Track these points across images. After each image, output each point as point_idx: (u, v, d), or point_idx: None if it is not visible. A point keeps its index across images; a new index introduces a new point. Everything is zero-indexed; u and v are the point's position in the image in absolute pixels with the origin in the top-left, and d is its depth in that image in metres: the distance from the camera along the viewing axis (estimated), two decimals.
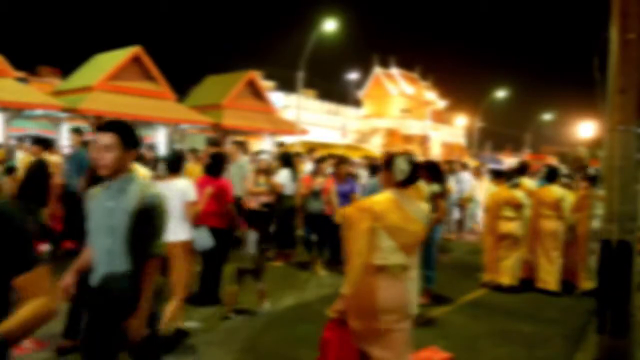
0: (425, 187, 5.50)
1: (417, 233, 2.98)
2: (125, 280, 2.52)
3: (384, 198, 2.96)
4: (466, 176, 11.55)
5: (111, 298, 2.54)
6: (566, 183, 7.98)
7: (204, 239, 4.72)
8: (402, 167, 2.98)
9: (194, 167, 8.34)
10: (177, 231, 4.32)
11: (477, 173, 12.51)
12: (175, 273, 4.39)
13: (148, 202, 2.55)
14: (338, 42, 34.96)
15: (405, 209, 2.95)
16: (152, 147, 10.65)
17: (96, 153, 2.54)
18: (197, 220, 4.62)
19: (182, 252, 4.41)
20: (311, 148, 12.17)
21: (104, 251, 2.56)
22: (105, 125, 2.56)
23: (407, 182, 3.01)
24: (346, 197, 7.11)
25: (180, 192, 4.38)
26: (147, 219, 2.54)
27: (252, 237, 5.36)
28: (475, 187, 11.53)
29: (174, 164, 4.56)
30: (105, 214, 2.55)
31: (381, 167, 3.18)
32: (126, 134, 2.57)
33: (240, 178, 7.66)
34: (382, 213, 2.88)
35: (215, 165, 5.43)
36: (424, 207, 3.12)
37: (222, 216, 5.36)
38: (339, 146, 27.23)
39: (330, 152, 12.48)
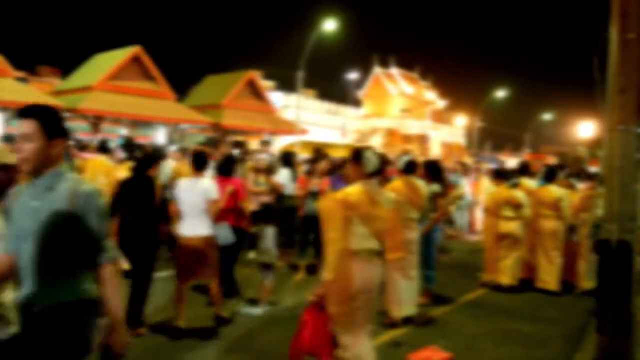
0: (425, 186, 5.50)
1: (386, 219, 3.31)
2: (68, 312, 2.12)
3: (356, 190, 3.26)
4: (456, 175, 11.57)
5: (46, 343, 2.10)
6: (568, 183, 7.98)
7: (226, 235, 5.01)
8: (371, 160, 3.28)
9: (182, 166, 8.20)
10: (199, 227, 4.58)
11: (465, 171, 12.50)
12: (206, 268, 4.65)
13: (82, 201, 2.15)
14: (338, 42, 34.91)
15: (375, 198, 3.26)
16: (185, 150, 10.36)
17: (17, 144, 2.16)
18: (217, 218, 4.86)
19: (205, 247, 4.62)
20: (318, 148, 11.95)
21: (29, 261, 2.11)
22: (23, 110, 2.15)
23: (375, 174, 3.30)
24: None
25: (204, 190, 4.58)
26: (84, 221, 2.15)
27: (270, 233, 5.46)
28: (464, 185, 11.53)
29: (200, 164, 4.75)
30: (30, 215, 2.12)
31: (350, 161, 3.43)
32: (49, 120, 2.16)
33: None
34: (355, 203, 3.19)
35: (227, 166, 5.67)
36: (390, 195, 3.46)
37: (237, 214, 5.60)
38: (339, 146, 27.25)
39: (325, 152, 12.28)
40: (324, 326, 3.18)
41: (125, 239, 4.50)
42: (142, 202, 4.61)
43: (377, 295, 3.38)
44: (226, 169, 5.66)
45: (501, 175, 7.82)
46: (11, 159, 3.00)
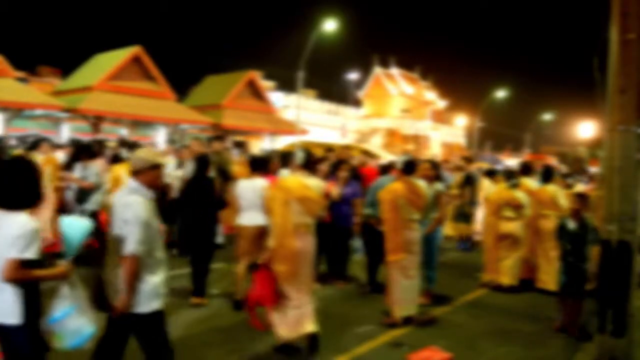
0: (426, 187, 5.49)
1: (317, 199, 4.27)
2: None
3: (293, 178, 4.37)
4: (446, 173, 11.48)
5: None
6: (565, 183, 7.99)
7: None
8: (299, 156, 4.34)
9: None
10: (257, 218, 5.33)
11: (456, 169, 12.40)
12: (259, 250, 5.01)
13: None
14: (338, 42, 34.93)
15: (307, 184, 4.26)
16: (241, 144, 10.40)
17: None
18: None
19: (259, 233, 5.25)
20: (329, 148, 11.66)
21: None
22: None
23: (305, 166, 4.37)
24: (348, 203, 6.55)
25: (259, 188, 5.33)
26: None
27: None
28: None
29: (257, 165, 5.68)
30: None
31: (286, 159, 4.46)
32: None
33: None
34: (292, 188, 4.22)
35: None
36: (318, 182, 4.46)
37: None
38: (338, 146, 27.22)
39: (326, 152, 11.58)
40: (269, 282, 4.14)
41: (191, 227, 5.71)
42: (204, 198, 5.69)
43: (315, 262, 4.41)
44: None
45: (491, 174, 7.79)
46: (163, 159, 3.42)
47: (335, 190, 6.39)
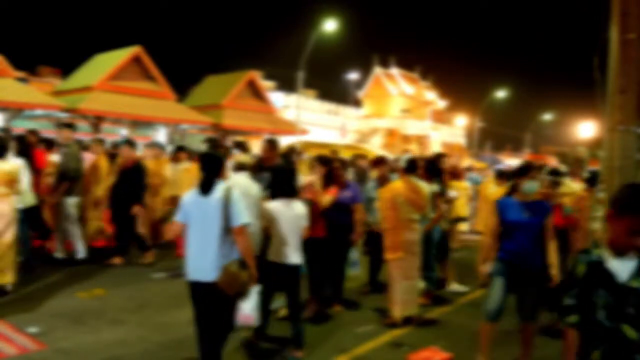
0: (426, 186, 5.49)
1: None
2: None
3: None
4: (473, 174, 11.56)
5: None
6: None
7: None
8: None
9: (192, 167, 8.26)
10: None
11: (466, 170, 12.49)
12: None
13: None
14: (338, 42, 34.99)
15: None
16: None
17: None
18: None
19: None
20: (334, 150, 11.42)
21: None
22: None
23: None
24: (347, 209, 5.55)
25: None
26: None
27: None
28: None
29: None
30: None
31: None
32: None
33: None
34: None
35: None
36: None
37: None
38: (338, 146, 27.22)
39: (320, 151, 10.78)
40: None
41: None
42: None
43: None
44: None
45: (502, 176, 7.77)
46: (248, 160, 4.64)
47: (327, 197, 5.40)
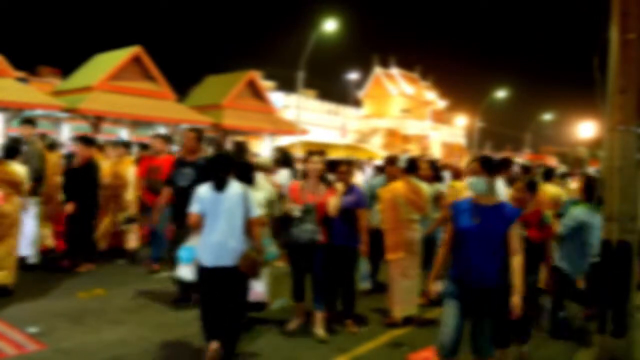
0: (427, 187, 5.49)
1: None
2: None
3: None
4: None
5: None
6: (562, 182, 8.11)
7: None
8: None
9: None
10: None
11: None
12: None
13: None
14: (338, 42, 34.96)
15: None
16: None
17: None
18: None
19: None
20: (322, 150, 11.22)
21: None
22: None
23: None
24: (350, 215, 4.98)
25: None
26: None
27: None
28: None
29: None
30: None
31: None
32: None
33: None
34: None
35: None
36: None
37: None
38: (339, 146, 27.23)
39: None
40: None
41: None
42: None
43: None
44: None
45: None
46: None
47: (333, 201, 4.78)
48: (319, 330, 4.74)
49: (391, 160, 6.41)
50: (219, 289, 4.01)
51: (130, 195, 7.42)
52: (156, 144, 7.26)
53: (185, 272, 4.72)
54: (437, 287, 3.63)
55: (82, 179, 6.79)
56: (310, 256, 4.78)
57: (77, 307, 5.36)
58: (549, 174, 7.59)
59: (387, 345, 4.72)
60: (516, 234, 3.42)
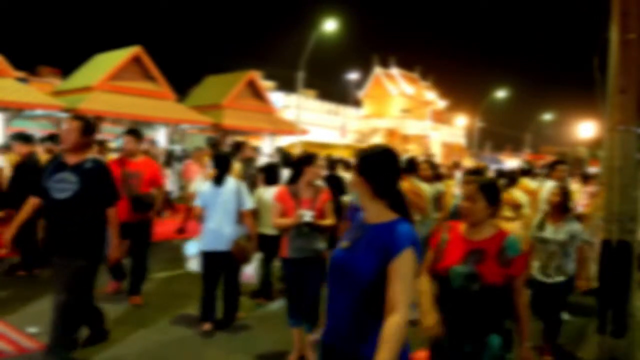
0: (428, 188, 5.49)
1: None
2: None
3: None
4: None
5: None
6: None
7: None
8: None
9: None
10: None
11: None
12: None
13: None
14: (338, 42, 34.98)
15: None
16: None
17: None
18: None
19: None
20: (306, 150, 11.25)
21: None
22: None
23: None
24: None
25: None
26: None
27: None
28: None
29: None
30: None
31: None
32: None
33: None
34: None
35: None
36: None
37: None
38: (339, 146, 27.25)
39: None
40: None
41: None
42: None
43: None
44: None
45: (501, 176, 7.78)
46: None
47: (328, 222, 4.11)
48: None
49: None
50: (217, 270, 4.71)
51: None
52: (128, 143, 5.57)
53: (194, 264, 5.07)
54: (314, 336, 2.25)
55: (21, 178, 6.09)
56: (308, 272, 4.00)
57: None
58: (513, 178, 6.70)
59: None
60: (401, 274, 1.89)
